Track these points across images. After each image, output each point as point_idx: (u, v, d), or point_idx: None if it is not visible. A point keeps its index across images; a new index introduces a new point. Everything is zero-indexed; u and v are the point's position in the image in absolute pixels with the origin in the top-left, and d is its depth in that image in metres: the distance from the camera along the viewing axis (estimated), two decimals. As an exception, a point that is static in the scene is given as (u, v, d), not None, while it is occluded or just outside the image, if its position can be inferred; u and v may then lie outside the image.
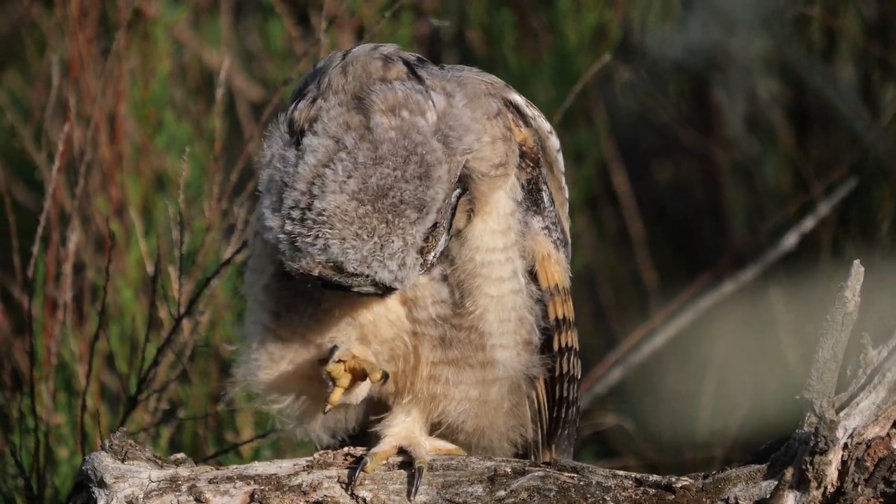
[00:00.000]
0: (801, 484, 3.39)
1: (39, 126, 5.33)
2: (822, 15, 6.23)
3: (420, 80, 3.40)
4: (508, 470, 3.51)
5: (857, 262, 3.45)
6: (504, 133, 3.48)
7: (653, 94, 6.42)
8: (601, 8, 6.17)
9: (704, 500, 3.45)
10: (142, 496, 3.49)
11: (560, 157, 3.66)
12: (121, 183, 5.27)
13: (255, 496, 3.49)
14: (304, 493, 3.50)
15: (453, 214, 3.42)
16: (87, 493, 3.51)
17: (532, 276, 3.58)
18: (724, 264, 6.00)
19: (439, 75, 3.44)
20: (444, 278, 3.50)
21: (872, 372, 3.45)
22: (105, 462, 3.52)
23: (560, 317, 3.63)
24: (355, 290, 3.33)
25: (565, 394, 3.71)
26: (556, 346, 3.63)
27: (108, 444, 3.55)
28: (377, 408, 3.65)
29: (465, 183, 3.44)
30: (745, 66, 6.32)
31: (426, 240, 3.35)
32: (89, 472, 3.51)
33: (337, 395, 3.50)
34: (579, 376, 3.76)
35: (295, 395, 3.59)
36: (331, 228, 3.28)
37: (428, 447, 3.58)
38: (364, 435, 3.68)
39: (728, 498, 3.44)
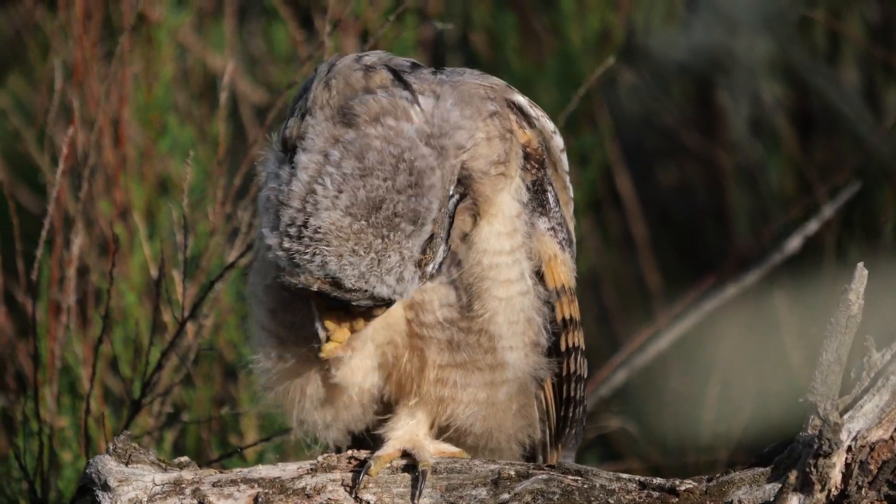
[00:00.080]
0: (804, 487, 3.39)
1: (43, 129, 5.33)
2: (825, 18, 6.23)
3: (406, 85, 3.39)
4: (512, 473, 3.51)
5: (860, 264, 3.45)
6: (501, 132, 3.47)
7: (656, 97, 6.42)
8: (604, 10, 6.17)
9: (708, 503, 3.45)
10: (145, 499, 3.49)
11: (564, 157, 3.66)
12: (124, 187, 5.27)
13: (259, 499, 3.49)
14: (308, 497, 3.50)
15: (451, 223, 3.41)
16: (91, 497, 3.51)
17: (539, 277, 3.58)
18: (727, 267, 5.99)
19: (430, 79, 3.43)
20: (452, 282, 3.50)
21: (876, 375, 3.45)
22: (109, 465, 3.52)
23: (567, 317, 3.63)
24: (354, 304, 3.34)
25: (573, 393, 3.71)
26: (563, 347, 3.63)
27: (111, 447, 3.55)
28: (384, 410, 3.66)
29: (465, 185, 3.43)
30: (749, 69, 6.31)
31: (424, 252, 3.35)
32: (93, 475, 3.51)
33: (331, 346, 3.45)
34: (586, 376, 3.77)
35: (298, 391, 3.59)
36: (327, 245, 3.28)
37: (432, 450, 3.58)
38: (373, 439, 3.69)
39: (732, 501, 3.44)
